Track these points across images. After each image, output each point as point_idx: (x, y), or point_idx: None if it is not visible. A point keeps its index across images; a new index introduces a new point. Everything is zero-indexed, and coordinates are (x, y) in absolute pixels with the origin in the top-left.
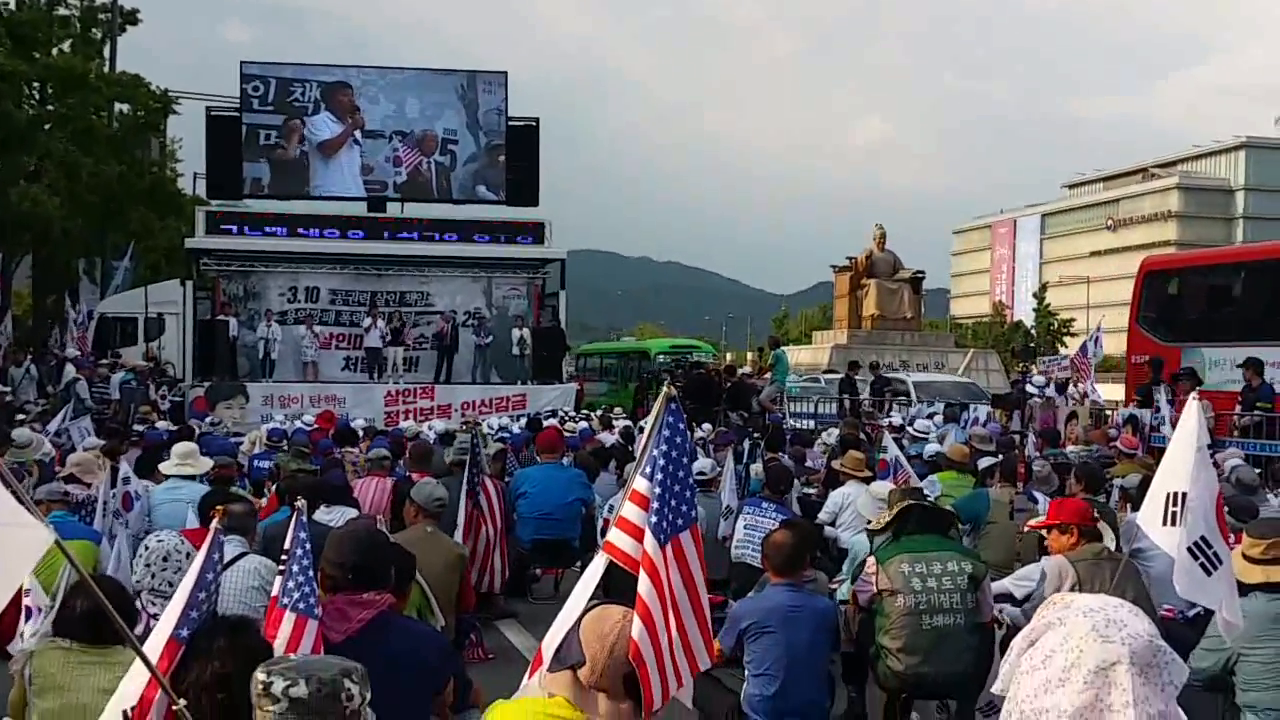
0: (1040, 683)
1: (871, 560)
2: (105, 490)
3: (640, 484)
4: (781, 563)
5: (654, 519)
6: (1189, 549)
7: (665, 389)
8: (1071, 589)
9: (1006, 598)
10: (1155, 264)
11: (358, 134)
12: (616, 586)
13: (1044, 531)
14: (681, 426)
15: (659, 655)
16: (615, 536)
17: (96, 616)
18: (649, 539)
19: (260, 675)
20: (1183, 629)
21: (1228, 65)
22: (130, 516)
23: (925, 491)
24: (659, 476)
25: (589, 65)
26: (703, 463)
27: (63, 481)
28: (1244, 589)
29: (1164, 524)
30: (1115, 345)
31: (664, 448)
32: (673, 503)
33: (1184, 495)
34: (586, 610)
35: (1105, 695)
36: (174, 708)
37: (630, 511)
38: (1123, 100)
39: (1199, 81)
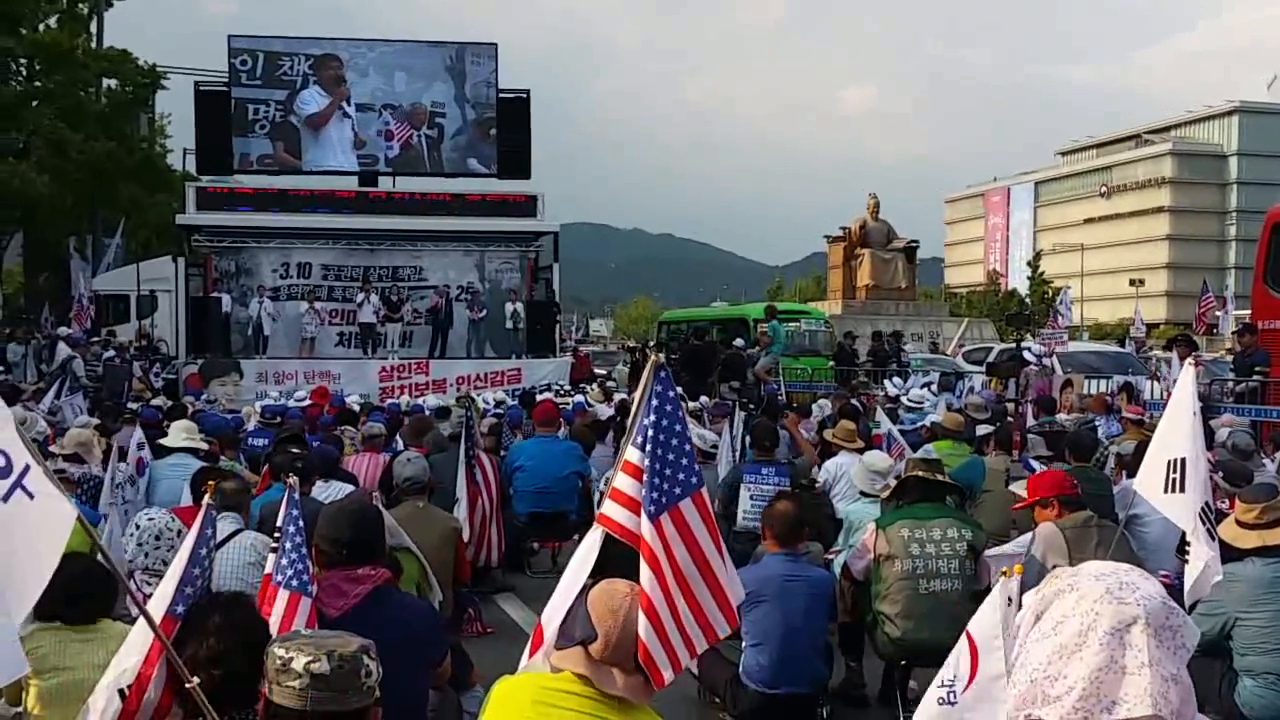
0: (1053, 649)
1: (871, 525)
2: (113, 467)
3: (632, 454)
4: (783, 532)
5: (646, 490)
6: (1200, 513)
7: (653, 357)
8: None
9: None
10: None
11: (347, 107)
12: (613, 559)
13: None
14: (672, 394)
15: (664, 639)
16: (609, 508)
17: (77, 595)
18: (643, 517)
19: (279, 651)
20: (1177, 595)
21: (1218, 29)
22: (141, 484)
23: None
24: (649, 447)
25: (577, 34)
26: (708, 434)
27: (63, 460)
28: (1240, 554)
29: (1165, 491)
30: (1109, 312)
31: (654, 417)
32: (667, 472)
33: (1183, 461)
34: (588, 585)
35: (1120, 657)
36: (186, 685)
37: (623, 482)
38: (1113, 66)
39: (1190, 46)
